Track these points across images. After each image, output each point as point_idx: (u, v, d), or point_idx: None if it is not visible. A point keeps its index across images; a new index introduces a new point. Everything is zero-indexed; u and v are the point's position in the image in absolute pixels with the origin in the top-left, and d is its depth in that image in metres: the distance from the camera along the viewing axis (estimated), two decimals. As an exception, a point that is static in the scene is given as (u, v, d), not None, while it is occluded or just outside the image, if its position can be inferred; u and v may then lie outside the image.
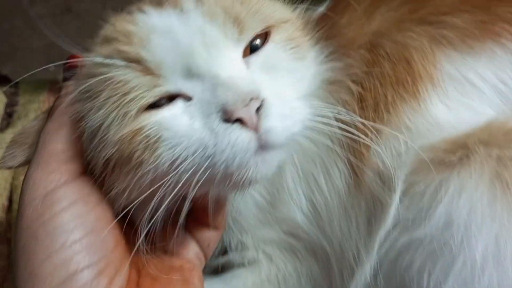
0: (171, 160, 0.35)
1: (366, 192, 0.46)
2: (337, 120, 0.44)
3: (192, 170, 0.35)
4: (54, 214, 0.36)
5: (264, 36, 0.41)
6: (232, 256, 0.53)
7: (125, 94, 0.36)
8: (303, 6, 0.52)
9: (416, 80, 0.45)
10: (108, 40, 0.38)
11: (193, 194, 0.36)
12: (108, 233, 0.38)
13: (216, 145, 0.35)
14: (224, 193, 0.41)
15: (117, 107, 0.36)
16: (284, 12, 0.45)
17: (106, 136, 0.36)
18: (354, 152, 0.46)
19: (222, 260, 0.53)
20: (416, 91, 0.45)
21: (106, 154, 0.37)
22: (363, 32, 0.48)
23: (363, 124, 0.43)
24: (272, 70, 0.40)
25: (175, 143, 0.35)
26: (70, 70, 0.41)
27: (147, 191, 0.36)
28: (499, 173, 0.39)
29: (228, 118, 0.35)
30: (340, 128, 0.43)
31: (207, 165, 0.35)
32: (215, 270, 0.54)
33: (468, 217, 0.38)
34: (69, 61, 0.41)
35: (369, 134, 0.43)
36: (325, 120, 0.40)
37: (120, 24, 0.39)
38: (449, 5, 0.47)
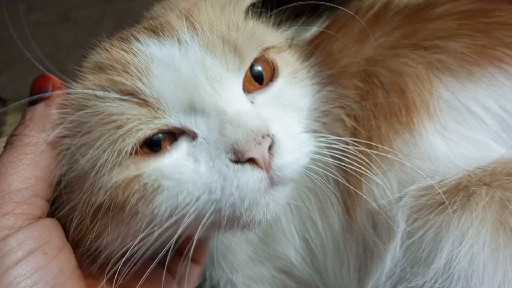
0: (171, 208, 0.34)
1: (357, 234, 0.43)
2: (329, 149, 0.41)
3: (195, 215, 0.33)
4: (6, 268, 0.30)
5: (266, 63, 0.39)
6: (221, 295, 0.50)
7: (119, 127, 0.33)
8: (295, 27, 0.50)
9: (409, 110, 0.42)
10: (101, 68, 0.36)
11: (198, 236, 0.34)
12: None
13: (223, 188, 0.33)
14: (232, 233, 0.40)
15: (110, 144, 0.33)
16: (277, 36, 0.43)
17: (99, 182, 0.34)
18: (347, 190, 0.43)
19: (210, 299, 0.51)
20: (410, 122, 0.41)
21: (96, 201, 0.34)
22: (356, 60, 0.44)
23: (356, 160, 0.40)
24: (280, 105, 0.39)
25: (177, 191, 0.34)
26: (38, 91, 0.36)
27: (145, 237, 0.34)
28: (503, 220, 0.36)
29: (239, 158, 0.33)
30: (333, 157, 0.41)
31: (212, 210, 0.33)
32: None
33: (469, 267, 0.36)
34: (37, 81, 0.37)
35: (363, 170, 0.40)
36: (320, 151, 0.39)
37: (116, 52, 0.36)
38: (446, 28, 0.44)
